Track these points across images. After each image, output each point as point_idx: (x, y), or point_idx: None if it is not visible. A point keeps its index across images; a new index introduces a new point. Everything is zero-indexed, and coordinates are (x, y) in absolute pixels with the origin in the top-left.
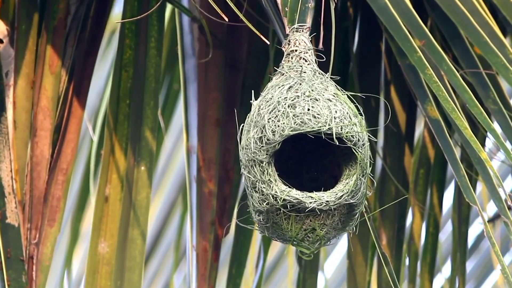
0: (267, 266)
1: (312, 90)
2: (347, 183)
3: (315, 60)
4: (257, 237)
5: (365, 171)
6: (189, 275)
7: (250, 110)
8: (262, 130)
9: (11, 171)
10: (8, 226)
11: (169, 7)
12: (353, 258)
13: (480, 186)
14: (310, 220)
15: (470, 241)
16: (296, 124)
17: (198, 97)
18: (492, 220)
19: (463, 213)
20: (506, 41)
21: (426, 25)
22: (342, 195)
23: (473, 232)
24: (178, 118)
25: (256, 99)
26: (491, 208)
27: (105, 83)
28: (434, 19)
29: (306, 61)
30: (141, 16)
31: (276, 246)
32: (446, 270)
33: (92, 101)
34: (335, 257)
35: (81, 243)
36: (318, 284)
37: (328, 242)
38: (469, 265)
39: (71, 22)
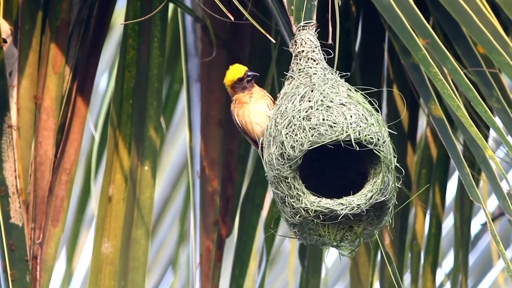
0: (269, 266)
1: (324, 97)
2: (375, 182)
3: (324, 56)
4: (260, 238)
5: (390, 167)
6: (193, 274)
7: None
8: (282, 147)
9: (15, 171)
10: (12, 226)
11: (171, 6)
12: (356, 258)
13: (480, 185)
14: (347, 219)
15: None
16: (314, 137)
17: (201, 97)
18: (495, 218)
19: (465, 213)
20: (508, 40)
21: (428, 24)
22: (372, 196)
23: (472, 229)
24: (177, 118)
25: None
26: (491, 206)
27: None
28: (436, 18)
29: (314, 60)
30: (145, 17)
31: (277, 246)
32: (446, 265)
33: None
34: (338, 257)
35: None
36: (321, 284)
37: (368, 238)
38: (469, 261)
39: (74, 22)
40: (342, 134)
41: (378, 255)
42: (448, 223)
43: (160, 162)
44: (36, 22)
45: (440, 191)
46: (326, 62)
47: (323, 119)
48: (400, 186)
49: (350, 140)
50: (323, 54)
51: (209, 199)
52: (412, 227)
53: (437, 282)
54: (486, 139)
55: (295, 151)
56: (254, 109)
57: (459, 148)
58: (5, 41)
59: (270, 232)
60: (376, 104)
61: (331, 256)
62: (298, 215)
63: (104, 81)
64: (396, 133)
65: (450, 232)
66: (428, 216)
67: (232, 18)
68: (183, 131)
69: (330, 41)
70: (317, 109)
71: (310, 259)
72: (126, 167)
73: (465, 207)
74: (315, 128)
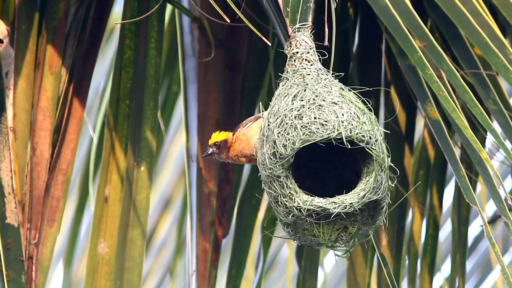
0: (266, 267)
1: (316, 96)
2: (368, 181)
3: (319, 58)
4: (257, 238)
5: (383, 166)
6: (189, 275)
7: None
8: (274, 146)
9: (11, 171)
10: (7, 226)
11: (169, 7)
12: (353, 259)
13: (479, 188)
14: (341, 219)
15: (469, 241)
16: (306, 135)
17: (198, 98)
18: (492, 221)
19: (462, 214)
20: (506, 42)
21: (426, 25)
22: (364, 194)
23: (472, 232)
24: (176, 119)
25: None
26: (490, 209)
27: (104, 83)
28: (434, 19)
29: (309, 61)
30: (141, 17)
31: (276, 247)
32: (445, 269)
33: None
34: (336, 258)
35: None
36: (318, 285)
37: (363, 239)
38: (468, 265)
39: (71, 23)
40: (334, 132)
41: (375, 256)
42: (448, 227)
43: (160, 164)
44: (33, 22)
45: (438, 192)
46: (325, 63)
47: (315, 118)
48: (394, 185)
49: (342, 138)
50: (319, 56)
51: (205, 200)
52: (410, 228)
53: (437, 286)
54: (484, 142)
55: (287, 150)
56: (249, 135)
57: (456, 150)
58: (1, 41)
59: (266, 233)
60: (370, 103)
61: (328, 258)
62: (291, 214)
63: (103, 81)
64: (393, 133)
65: (450, 237)
66: (425, 217)
67: (228, 21)
68: (182, 133)
69: (326, 43)
70: (309, 108)
71: (307, 260)
72: (122, 168)
73: (463, 208)
74: (306, 127)
